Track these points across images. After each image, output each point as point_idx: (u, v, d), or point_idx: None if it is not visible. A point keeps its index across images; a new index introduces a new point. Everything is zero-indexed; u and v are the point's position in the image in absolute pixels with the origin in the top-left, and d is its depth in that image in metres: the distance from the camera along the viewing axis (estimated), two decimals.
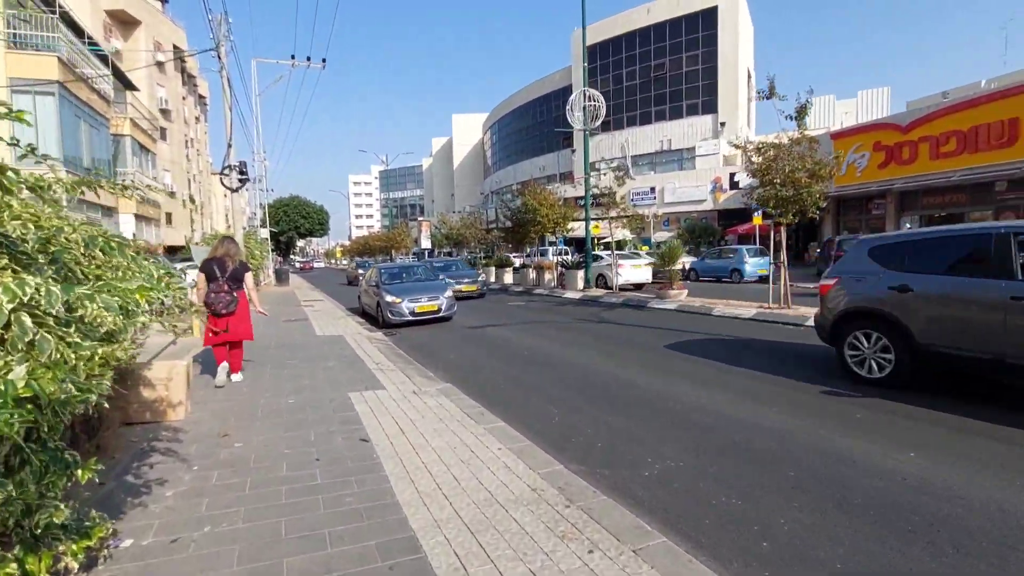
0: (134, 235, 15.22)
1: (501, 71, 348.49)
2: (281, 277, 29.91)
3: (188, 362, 5.14)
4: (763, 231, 33.32)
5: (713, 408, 5.26)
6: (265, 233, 30.01)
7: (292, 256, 73.26)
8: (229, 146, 13.10)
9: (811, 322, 9.60)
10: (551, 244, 35.81)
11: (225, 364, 6.42)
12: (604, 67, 45.73)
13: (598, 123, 18.53)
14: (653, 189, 40.76)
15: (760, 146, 10.92)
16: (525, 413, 5.39)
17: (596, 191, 16.62)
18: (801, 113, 10.17)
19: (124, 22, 35.51)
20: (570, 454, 4.26)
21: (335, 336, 10.42)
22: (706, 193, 38.91)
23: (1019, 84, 20.79)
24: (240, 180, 13.09)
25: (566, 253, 33.89)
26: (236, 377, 6.55)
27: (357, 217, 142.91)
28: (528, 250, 28.74)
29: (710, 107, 40.44)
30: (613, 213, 16.23)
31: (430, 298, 12.29)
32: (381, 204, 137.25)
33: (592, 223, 19.28)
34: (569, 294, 17.45)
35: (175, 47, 40.90)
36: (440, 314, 12.35)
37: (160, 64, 38.22)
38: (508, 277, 24.08)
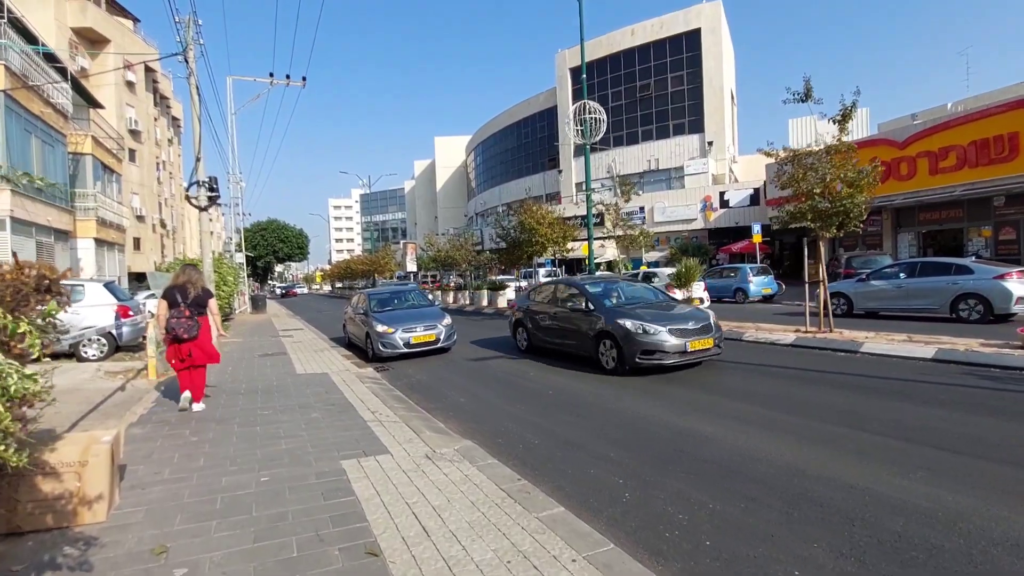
0: (14, 253, 13.01)
1: (483, 93, 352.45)
2: (257, 304, 28.11)
3: (118, 432, 3.67)
4: (761, 250, 32.79)
5: (836, 476, 3.98)
6: (240, 258, 28.27)
7: (270, 281, 70.77)
8: (197, 159, 11.67)
9: (866, 348, 8.47)
10: (539, 266, 34.77)
11: (187, 393, 6.45)
12: (590, 88, 45.24)
13: (599, 135, 17.55)
14: (642, 209, 40.06)
15: (796, 153, 9.90)
16: (582, 487, 4.03)
17: (602, 207, 15.52)
18: (846, 116, 9.19)
19: (92, 40, 33.98)
20: (681, 565, 2.91)
21: (319, 375, 8.94)
22: (696, 212, 38.33)
23: (1020, 98, 20.53)
24: (209, 198, 11.64)
25: (556, 275, 32.80)
26: (197, 407, 6.45)
27: (337, 241, 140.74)
28: (518, 272, 27.62)
29: (696, 127, 40.20)
30: (618, 231, 15.12)
31: (426, 327, 10.89)
32: (362, 228, 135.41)
33: (582, 244, 18.19)
34: None
35: (146, 66, 39.44)
36: (438, 344, 10.95)
37: (130, 84, 36.69)
38: (502, 300, 22.74)
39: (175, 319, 6.11)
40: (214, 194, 11.66)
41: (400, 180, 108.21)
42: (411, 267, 37.20)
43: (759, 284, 21.82)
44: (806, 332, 10.07)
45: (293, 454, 4.69)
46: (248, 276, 35.48)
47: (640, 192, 43.66)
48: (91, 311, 10.04)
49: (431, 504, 3.54)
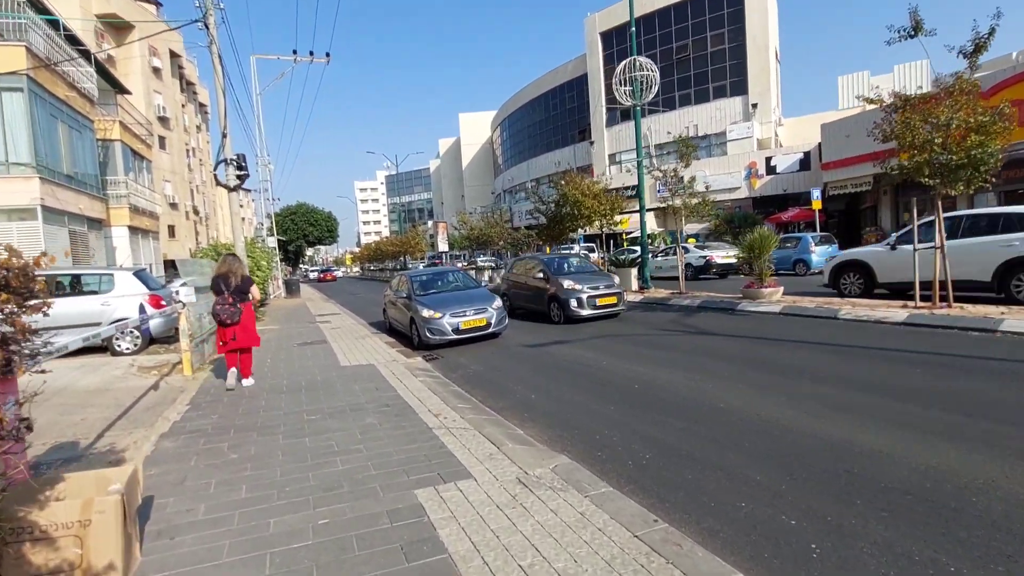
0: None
1: (508, 68, 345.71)
2: (291, 289, 27.74)
3: (134, 471, 2.78)
4: (809, 217, 30.76)
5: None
6: (273, 242, 27.85)
7: (301, 265, 71.20)
8: (224, 135, 10.84)
9: (1007, 326, 7.15)
10: (572, 241, 33.41)
11: (235, 369, 6.93)
12: (621, 53, 43.03)
13: (651, 94, 16.11)
14: (682, 178, 38.14)
15: (909, 97, 8.45)
16: (746, 531, 3.00)
17: (659, 174, 14.22)
18: (980, 48, 7.67)
19: (116, 27, 33.58)
20: None
21: (365, 366, 8.09)
22: (740, 180, 36.33)
23: None
24: (239, 177, 10.84)
25: (591, 251, 31.54)
26: (247, 382, 7.01)
27: (365, 223, 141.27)
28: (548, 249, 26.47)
29: (739, 88, 37.84)
30: (677, 201, 13.82)
31: (476, 311, 9.94)
32: (389, 209, 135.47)
33: (622, 217, 16.88)
34: (626, 296, 15.01)
35: (171, 52, 39.08)
36: (489, 329, 10.00)
37: (156, 70, 36.36)
38: None
39: (220, 305, 6.70)
40: (243, 172, 10.84)
41: (426, 159, 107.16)
42: (443, 247, 36.39)
43: (822, 254, 20.16)
44: (917, 308, 8.73)
45: (353, 478, 3.78)
46: (280, 260, 35.24)
47: (679, 160, 41.64)
48: (122, 302, 9.40)
49: (554, 568, 2.56)
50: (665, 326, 10.33)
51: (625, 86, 16.18)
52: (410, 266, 35.89)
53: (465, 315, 9.81)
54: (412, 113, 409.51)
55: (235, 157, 10.78)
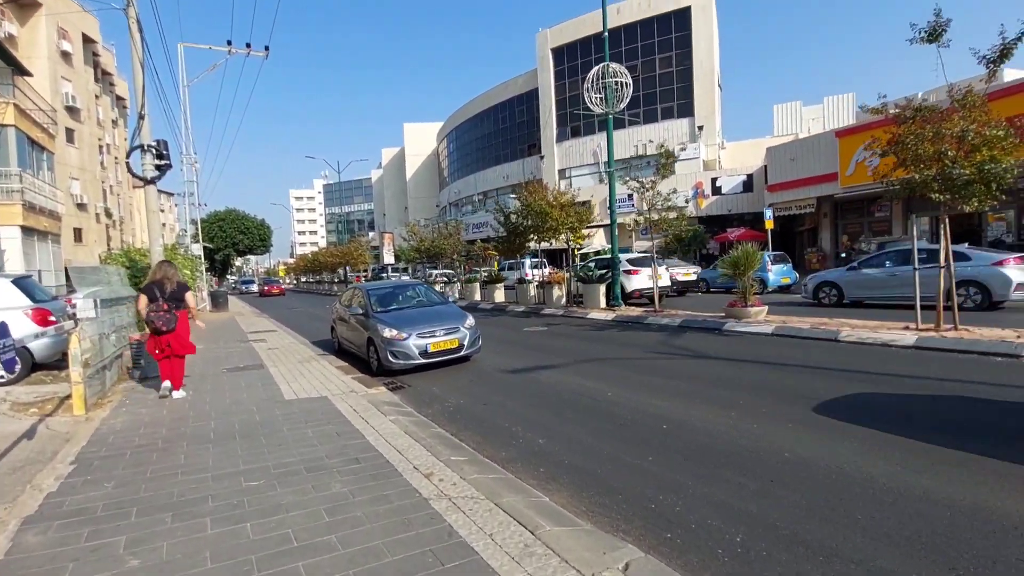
0: None
1: (455, 80, 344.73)
2: (218, 301, 25.05)
3: None
4: (756, 237, 31.46)
5: None
6: (198, 249, 25.10)
7: (229, 276, 66.12)
8: (141, 117, 9.00)
9: None
10: (530, 255, 32.50)
11: (167, 382, 6.80)
12: (572, 70, 43.39)
13: (624, 103, 15.47)
14: (630, 196, 38.32)
15: (919, 106, 7.99)
16: None
17: (636, 184, 13.52)
18: (1005, 54, 7.26)
19: (21, 4, 29.82)
20: None
21: (316, 399, 6.58)
22: (686, 199, 36.85)
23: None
24: (158, 167, 9.01)
25: (544, 265, 30.75)
26: (178, 394, 6.83)
27: (300, 233, 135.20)
28: (501, 264, 25.38)
29: (686, 110, 38.69)
30: (653, 215, 13.14)
31: (447, 330, 8.61)
32: (326, 220, 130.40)
33: (575, 233, 16.17)
34: (596, 314, 14.11)
35: (85, 37, 35.35)
36: (461, 352, 8.70)
37: (66, 55, 32.63)
38: (500, 295, 20.51)
39: (154, 312, 6.51)
40: (163, 162, 9.03)
41: (367, 169, 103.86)
42: (388, 259, 34.44)
43: (778, 273, 20.34)
44: (922, 330, 8.24)
45: None
46: (206, 270, 32.10)
47: (627, 179, 41.92)
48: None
49: None
50: (655, 348, 9.40)
51: (596, 93, 15.46)
52: (353, 279, 33.64)
53: (434, 335, 8.46)
54: (353, 122, 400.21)
55: (154, 144, 8.96)
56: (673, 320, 11.88)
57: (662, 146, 13.17)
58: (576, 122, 43.41)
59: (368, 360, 8.94)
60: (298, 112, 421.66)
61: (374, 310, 9.16)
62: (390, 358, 8.22)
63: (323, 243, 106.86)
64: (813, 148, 26.67)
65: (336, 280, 46.04)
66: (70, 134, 32.09)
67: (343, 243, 54.85)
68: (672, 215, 13.23)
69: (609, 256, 15.87)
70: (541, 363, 8.61)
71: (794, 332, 9.49)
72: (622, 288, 15.15)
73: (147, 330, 6.70)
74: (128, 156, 9.04)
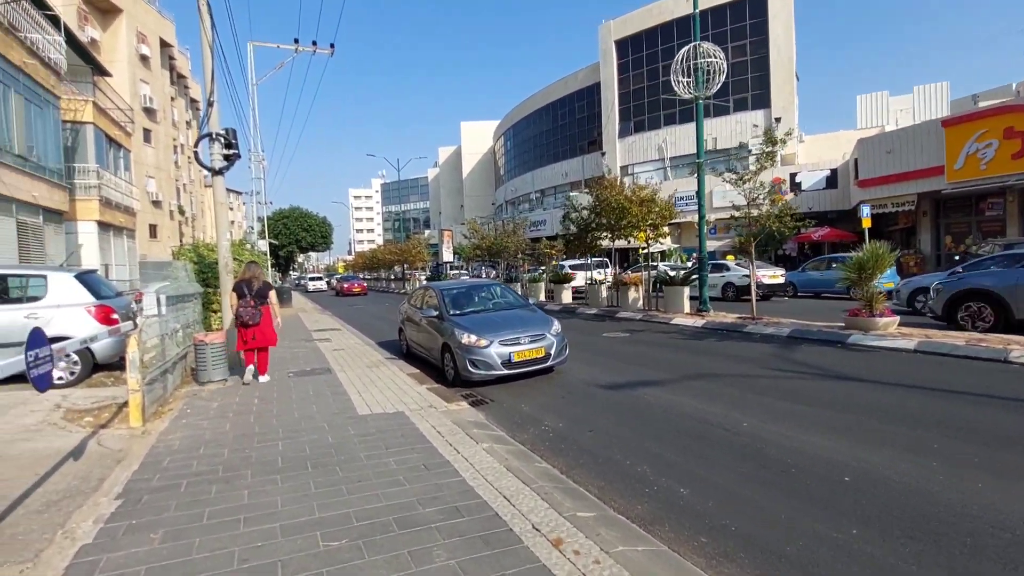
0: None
1: (513, 77, 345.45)
2: (282, 297, 25.16)
3: None
4: (839, 238, 28.89)
5: None
6: (264, 246, 25.32)
7: (292, 271, 67.97)
8: (210, 103, 8.47)
9: None
10: (590, 256, 31.09)
11: (252, 367, 7.52)
12: (637, 62, 41.63)
13: (717, 86, 14.04)
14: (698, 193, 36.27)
15: None
16: None
17: (731, 176, 12.15)
18: None
19: (103, 10, 31.23)
20: None
21: (393, 416, 5.71)
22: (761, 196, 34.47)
23: None
24: (226, 157, 8.45)
25: (606, 265, 29.35)
26: (263, 378, 7.55)
27: (358, 231, 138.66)
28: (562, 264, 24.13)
29: (761, 102, 36.19)
30: (754, 211, 11.70)
31: (532, 337, 7.60)
32: (383, 218, 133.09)
33: (637, 232, 14.73)
34: (681, 320, 12.76)
35: (162, 41, 36.76)
36: (547, 363, 7.66)
37: (144, 59, 33.95)
38: (567, 296, 19.39)
39: (243, 308, 7.17)
40: (231, 152, 8.47)
41: (424, 168, 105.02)
42: (448, 256, 33.93)
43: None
44: None
45: None
46: (271, 266, 32.67)
47: (721, 171, 39.58)
48: (58, 314, 6.93)
49: None
50: (772, 363, 8.04)
51: (685, 76, 14.08)
52: (413, 278, 33.38)
53: (518, 343, 7.46)
54: (411, 120, 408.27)
55: (223, 132, 8.42)
56: (779, 330, 10.41)
57: (767, 132, 11.64)
58: (640, 116, 41.60)
59: (443, 368, 8.05)
60: (357, 114, 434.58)
61: (449, 313, 8.26)
62: (469, 367, 7.28)
63: (380, 240, 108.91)
64: (914, 139, 24.02)
65: (394, 277, 46.12)
66: (147, 134, 33.41)
67: (400, 240, 55.16)
68: (775, 210, 11.69)
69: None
70: (640, 378, 7.45)
71: (945, 349, 7.89)
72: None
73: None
74: (196, 145, 8.55)
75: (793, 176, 33.05)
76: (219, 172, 8.49)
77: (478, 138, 74.74)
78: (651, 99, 40.64)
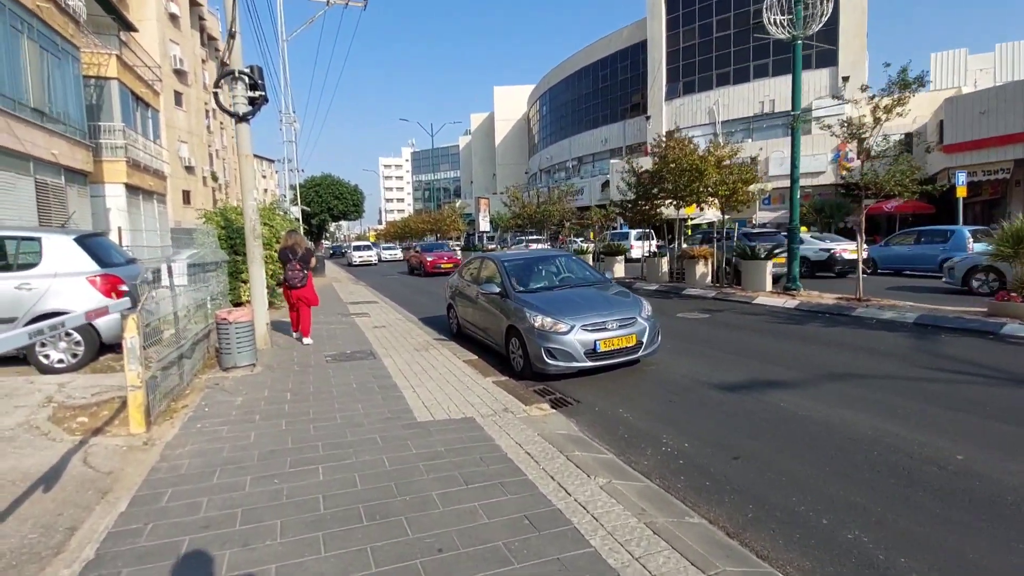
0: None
1: (550, 40, 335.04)
2: (316, 267, 24.25)
3: None
4: (913, 209, 26.30)
5: None
6: (297, 212, 24.30)
7: (324, 240, 67.51)
8: (232, 36, 7.11)
9: None
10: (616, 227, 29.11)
11: (297, 332, 8.17)
12: (688, 16, 38.57)
13: (819, 23, 11.98)
14: (753, 159, 33.66)
15: None
16: None
17: (841, 130, 10.33)
18: None
19: None
20: None
21: (462, 425, 4.39)
22: (825, 163, 31.93)
23: None
24: (251, 100, 7.11)
25: (650, 237, 27.44)
26: (307, 340, 7.98)
27: (388, 200, 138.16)
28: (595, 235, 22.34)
29: (827, 59, 33.02)
30: (879, 167, 9.88)
31: (621, 322, 6.14)
32: (413, 187, 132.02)
33: (737, 197, 12.86)
34: (766, 300, 11.11)
35: (191, 1, 35.59)
36: (638, 353, 6.22)
37: (173, 17, 32.82)
38: (619, 269, 17.82)
39: (290, 271, 7.90)
40: (257, 94, 7.12)
41: (455, 136, 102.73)
42: (484, 226, 32.47)
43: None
44: None
45: None
46: (304, 234, 31.85)
47: (750, 139, 36.90)
48: (55, 285, 5.78)
49: None
50: (919, 359, 6.44)
51: (782, 13, 12.03)
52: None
53: (605, 328, 6.01)
54: (444, 88, 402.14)
55: (247, 70, 7.05)
56: (901, 315, 8.68)
57: (904, 70, 9.63)
58: (690, 77, 38.72)
59: (507, 355, 6.68)
60: (389, 82, 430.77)
61: (516, 289, 6.85)
62: (544, 357, 5.88)
63: (410, 210, 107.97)
64: (1015, 98, 21.17)
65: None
66: (178, 97, 32.52)
67: (432, 210, 53.71)
68: (901, 167, 9.78)
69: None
70: (759, 375, 5.94)
71: None
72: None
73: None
74: (216, 85, 7.21)
75: (861, 141, 30.16)
76: (243, 118, 7.15)
77: (512, 104, 72.11)
78: (703, 57, 37.69)
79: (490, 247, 30.50)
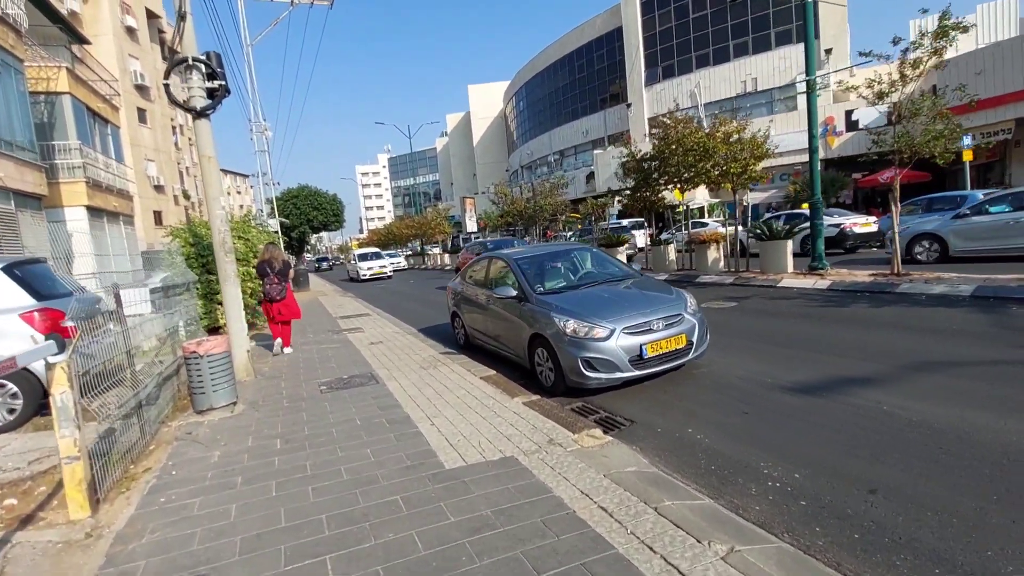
0: None
1: (522, 36, 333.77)
2: (298, 280, 23.05)
3: None
4: (910, 177, 25.82)
5: None
6: (275, 224, 23.07)
7: (305, 254, 65.93)
8: (181, 18, 6.04)
9: None
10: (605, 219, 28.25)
11: (279, 340, 8.17)
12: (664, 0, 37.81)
13: None
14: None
15: None
16: None
17: (871, 92, 9.50)
18: None
19: None
20: None
21: (502, 468, 3.42)
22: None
23: None
24: (210, 93, 6.05)
25: (644, 226, 26.66)
26: (287, 350, 8.26)
27: (368, 209, 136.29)
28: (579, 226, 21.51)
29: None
30: (917, 128, 9.05)
31: (667, 321, 5.22)
32: (392, 193, 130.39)
33: (747, 175, 12.05)
34: (793, 281, 10.30)
35: (149, 13, 34.07)
36: (689, 356, 5.31)
37: (131, 31, 31.29)
38: (622, 259, 16.93)
39: (268, 285, 7.90)
40: (216, 84, 6.07)
41: (432, 139, 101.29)
42: (471, 227, 31.41)
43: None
44: None
45: None
46: (284, 248, 30.51)
47: (736, 119, 36.08)
48: None
49: None
50: (1006, 338, 5.61)
51: None
52: (431, 251, 30.84)
53: (650, 330, 5.09)
54: (417, 87, 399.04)
55: (202, 57, 6.00)
56: (953, 288, 7.89)
57: (944, 14, 8.81)
58: (668, 61, 38.02)
59: (532, 367, 5.73)
60: (360, 83, 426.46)
61: (535, 291, 5.89)
62: (583, 369, 4.94)
63: (390, 217, 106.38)
64: (1011, 55, 20.70)
65: (411, 253, 43.84)
66: (142, 114, 31.03)
67: (419, 213, 52.40)
68: (939, 126, 8.94)
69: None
70: (834, 372, 5.06)
71: None
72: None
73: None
74: (167, 76, 6.14)
75: (849, 113, 29.76)
76: (202, 113, 6.10)
77: (488, 102, 71.06)
78: (680, 40, 37.01)
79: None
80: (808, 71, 11.21)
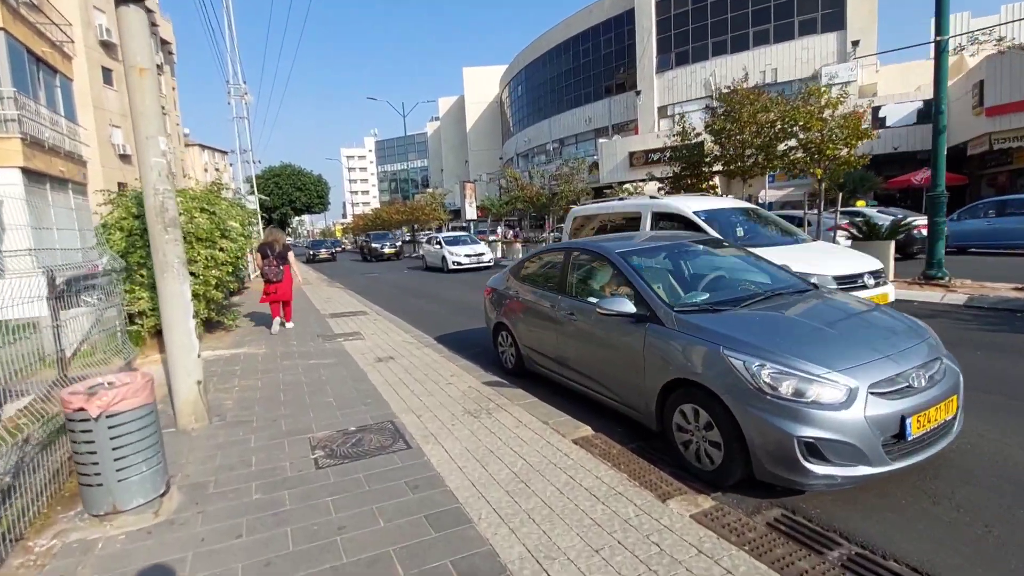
0: None
1: (524, 16, 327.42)
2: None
3: None
4: (953, 180, 24.21)
5: None
6: (255, 201, 20.39)
7: (288, 236, 62.59)
8: None
9: None
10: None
11: (279, 318, 8.60)
12: None
13: None
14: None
15: None
16: None
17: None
18: None
19: None
20: None
21: None
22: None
23: None
24: None
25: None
26: (289, 324, 8.78)
27: (353, 193, 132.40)
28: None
29: (834, 22, 30.61)
30: None
31: (928, 370, 3.01)
32: (379, 178, 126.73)
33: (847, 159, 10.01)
34: (907, 293, 8.24)
35: None
36: (955, 431, 3.11)
37: None
38: None
39: (267, 267, 8.22)
40: None
41: (427, 117, 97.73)
42: (471, 213, 29.01)
43: None
44: None
45: None
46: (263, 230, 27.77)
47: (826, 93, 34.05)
48: None
49: None
50: None
51: None
52: (424, 239, 28.28)
53: (911, 388, 2.89)
54: (409, 68, 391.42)
55: None
56: None
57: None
58: (682, 47, 35.85)
59: (664, 428, 3.49)
60: (348, 58, 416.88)
61: (671, 307, 3.63)
62: (803, 459, 2.72)
63: (376, 203, 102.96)
64: None
65: (403, 241, 41.21)
66: (107, 74, 27.92)
67: (403, 199, 49.71)
68: None
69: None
70: None
71: None
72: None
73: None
74: None
75: (876, 110, 27.91)
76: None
77: (483, 86, 68.23)
78: (697, 25, 34.86)
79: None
80: (941, 30, 9.06)
